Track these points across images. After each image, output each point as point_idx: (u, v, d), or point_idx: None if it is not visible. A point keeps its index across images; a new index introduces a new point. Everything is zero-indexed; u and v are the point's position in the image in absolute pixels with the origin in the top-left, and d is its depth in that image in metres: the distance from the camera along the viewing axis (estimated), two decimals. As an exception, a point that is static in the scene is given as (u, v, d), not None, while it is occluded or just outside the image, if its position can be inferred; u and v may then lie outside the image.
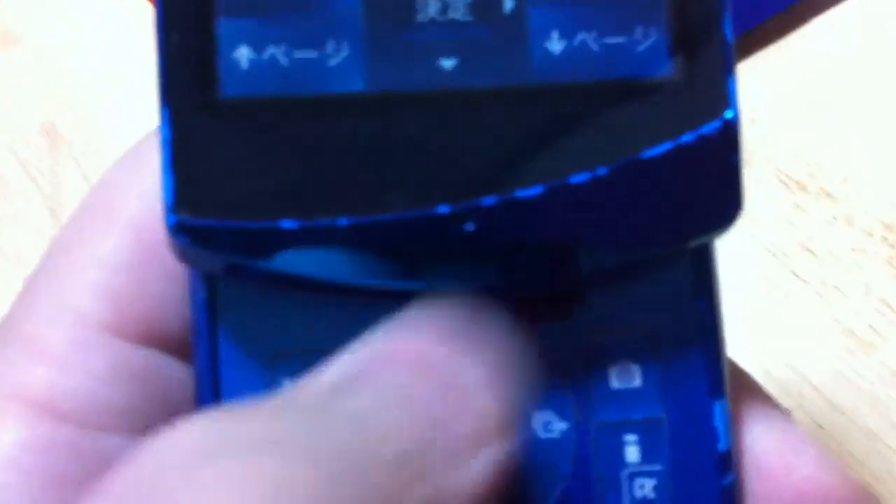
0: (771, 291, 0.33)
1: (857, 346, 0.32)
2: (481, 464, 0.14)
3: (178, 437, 0.13)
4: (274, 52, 0.16)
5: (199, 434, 0.13)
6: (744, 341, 0.32)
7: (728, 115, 0.16)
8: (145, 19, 0.41)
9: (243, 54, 0.16)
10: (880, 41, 0.36)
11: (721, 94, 0.16)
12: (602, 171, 0.16)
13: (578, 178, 0.16)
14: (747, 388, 0.18)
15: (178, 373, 0.18)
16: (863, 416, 0.31)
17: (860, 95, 0.35)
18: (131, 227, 0.18)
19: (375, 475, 0.13)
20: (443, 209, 0.16)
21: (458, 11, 0.16)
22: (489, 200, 0.16)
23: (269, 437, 0.13)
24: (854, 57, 0.36)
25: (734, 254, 0.33)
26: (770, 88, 0.36)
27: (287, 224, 0.16)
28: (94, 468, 0.17)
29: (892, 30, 0.36)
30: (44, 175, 0.38)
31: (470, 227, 0.16)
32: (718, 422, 0.18)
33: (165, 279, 0.18)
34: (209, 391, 0.17)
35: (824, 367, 0.32)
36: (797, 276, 0.33)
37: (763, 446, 0.18)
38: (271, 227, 0.16)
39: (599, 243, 0.16)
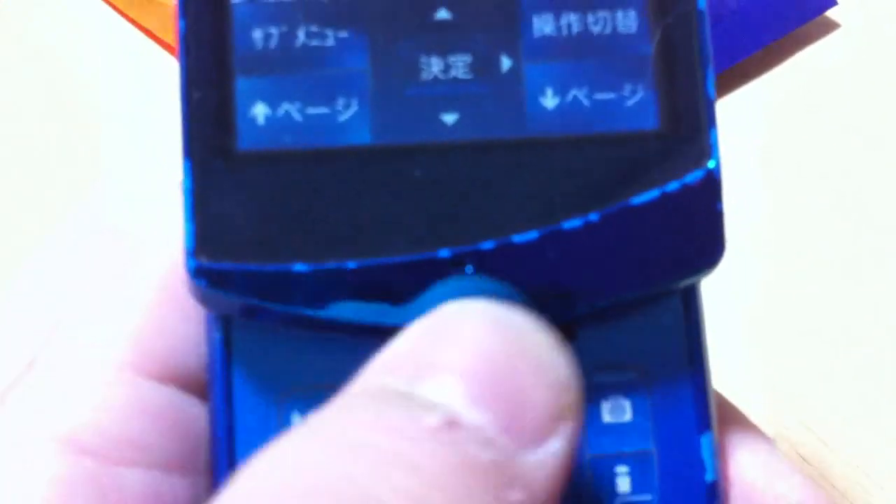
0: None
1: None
2: (559, 442, 0.15)
3: None
4: (288, 108, 0.17)
5: None
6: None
7: (710, 164, 0.17)
8: (152, 59, 0.41)
9: (260, 111, 0.17)
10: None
11: (704, 145, 0.18)
12: (594, 216, 0.17)
13: (571, 223, 0.17)
14: (732, 419, 0.19)
15: (195, 410, 0.19)
16: (846, 449, 0.31)
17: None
18: (151, 269, 0.19)
19: (470, 480, 0.14)
20: (444, 253, 0.17)
21: (459, 70, 0.18)
22: (487, 245, 0.17)
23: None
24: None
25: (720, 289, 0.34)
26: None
27: (299, 267, 0.17)
28: (113, 501, 0.17)
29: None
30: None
31: (469, 269, 0.17)
32: (706, 454, 0.18)
33: (185, 322, 0.19)
34: (223, 426, 0.18)
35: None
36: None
37: (750, 475, 0.18)
38: (284, 270, 0.17)
39: (591, 284, 0.17)
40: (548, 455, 0.14)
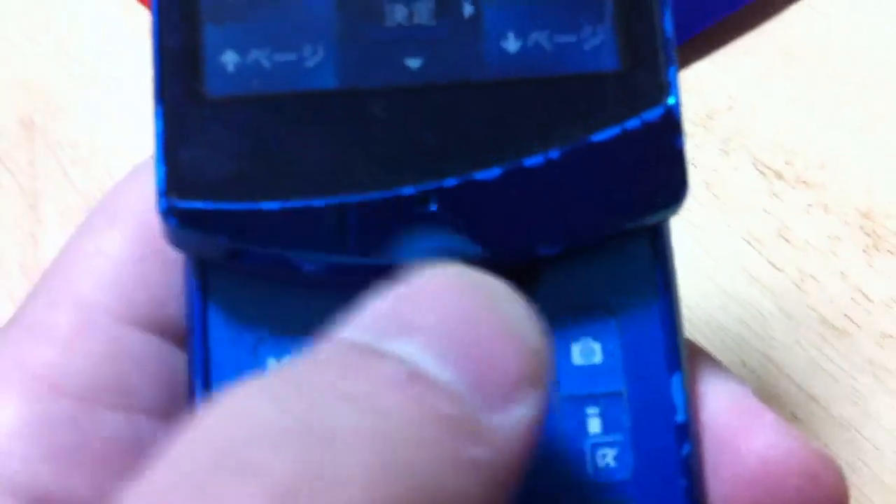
0: (747, 280, 0.33)
1: (832, 336, 0.32)
2: (526, 408, 0.15)
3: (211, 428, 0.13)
4: (256, 54, 0.18)
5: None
6: (719, 329, 0.32)
7: (670, 101, 0.18)
8: (123, 14, 0.41)
9: (229, 57, 0.18)
10: (858, 28, 0.36)
11: (662, 83, 0.18)
12: (554, 154, 0.18)
13: (533, 160, 0.18)
14: (704, 361, 0.19)
15: (175, 357, 0.19)
16: (837, 406, 0.31)
17: (837, 83, 0.35)
18: (135, 223, 0.19)
19: (437, 439, 0.13)
20: (408, 190, 0.17)
21: (423, 15, 0.18)
22: (450, 182, 0.17)
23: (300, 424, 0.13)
24: (831, 44, 0.36)
25: (710, 242, 0.33)
26: (747, 76, 0.36)
27: (268, 205, 0.17)
28: (93, 441, 0.18)
29: (871, 16, 0.36)
30: (21, 167, 0.38)
31: (433, 206, 0.17)
32: (676, 394, 0.18)
33: (167, 272, 0.19)
34: (200, 371, 0.18)
35: (800, 357, 0.32)
36: (773, 264, 0.33)
37: (722, 417, 0.18)
38: (254, 208, 0.17)
39: (554, 223, 0.18)
40: (514, 418, 0.14)
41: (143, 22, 0.40)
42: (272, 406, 0.13)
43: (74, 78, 0.39)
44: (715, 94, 0.36)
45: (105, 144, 0.38)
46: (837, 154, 0.34)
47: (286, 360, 0.16)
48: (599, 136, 0.18)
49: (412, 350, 0.14)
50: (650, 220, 0.18)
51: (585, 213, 0.18)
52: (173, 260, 0.19)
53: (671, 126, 0.18)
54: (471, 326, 0.15)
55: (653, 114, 0.18)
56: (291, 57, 0.18)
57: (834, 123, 0.35)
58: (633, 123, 0.18)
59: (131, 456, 0.18)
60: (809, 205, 0.33)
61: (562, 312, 0.18)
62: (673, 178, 0.18)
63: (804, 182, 0.34)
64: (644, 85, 0.18)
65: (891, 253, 0.33)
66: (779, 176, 0.34)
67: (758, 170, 0.34)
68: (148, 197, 0.19)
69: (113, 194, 0.20)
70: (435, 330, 0.15)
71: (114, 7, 0.41)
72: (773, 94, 0.36)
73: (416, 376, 0.14)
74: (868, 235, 0.33)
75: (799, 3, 0.37)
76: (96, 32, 0.40)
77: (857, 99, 0.35)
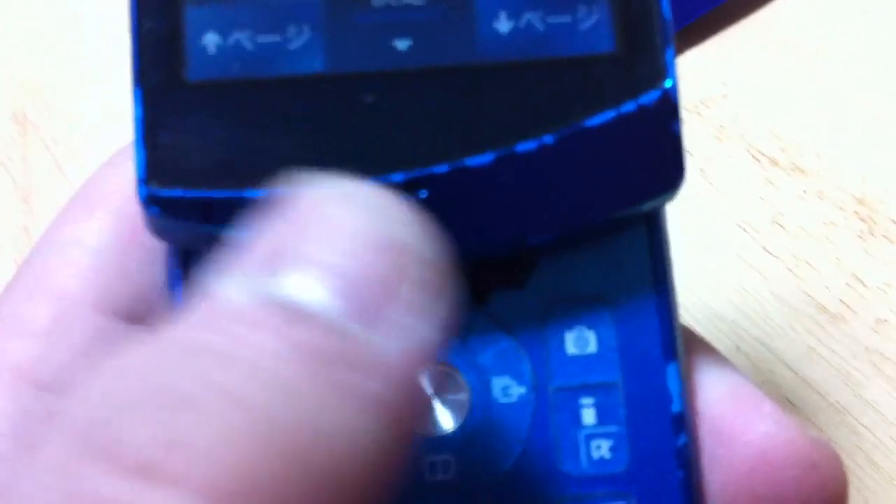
0: (742, 266, 0.33)
1: (827, 321, 0.32)
2: (413, 325, 0.13)
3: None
4: (239, 37, 0.17)
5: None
6: (714, 316, 0.32)
7: (667, 84, 0.17)
8: (115, 9, 0.40)
9: (210, 40, 0.17)
10: (851, 16, 0.36)
11: (660, 65, 0.17)
12: (548, 139, 0.17)
13: (526, 146, 0.17)
14: (701, 351, 0.19)
15: None
16: (833, 391, 0.31)
17: (832, 70, 0.35)
18: (113, 213, 0.19)
19: (303, 370, 0.13)
20: (397, 177, 0.17)
21: None
22: (441, 168, 0.17)
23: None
24: (827, 31, 0.36)
25: (705, 229, 0.33)
26: (742, 63, 0.36)
27: (251, 193, 0.16)
28: None
29: (864, 4, 0.36)
30: (14, 162, 0.38)
31: (423, 193, 0.17)
32: (672, 384, 0.18)
33: (146, 261, 0.19)
34: None
35: (795, 342, 0.32)
36: (768, 251, 0.33)
37: (719, 406, 0.18)
38: (238, 196, 0.17)
39: (548, 209, 0.17)
40: (399, 338, 0.13)
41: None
42: (134, 377, 0.13)
43: (68, 73, 0.39)
44: (709, 82, 0.36)
45: (99, 140, 0.37)
46: (832, 140, 0.34)
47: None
48: (594, 121, 0.17)
49: (297, 286, 0.13)
50: (646, 206, 0.17)
51: (580, 200, 0.17)
52: (154, 248, 0.18)
53: (668, 110, 0.17)
54: (359, 251, 0.13)
55: (649, 97, 0.17)
56: (275, 39, 0.17)
57: (828, 110, 0.35)
58: (628, 107, 0.17)
59: None
60: (804, 191, 0.33)
61: (556, 301, 0.18)
62: (669, 163, 0.17)
63: (799, 168, 0.34)
64: (641, 67, 0.17)
65: (886, 238, 0.33)
66: (773, 162, 0.34)
67: (752, 156, 0.34)
68: (127, 184, 0.18)
69: (91, 182, 0.20)
70: (322, 260, 0.13)
71: (110, 3, 0.40)
72: (767, 81, 0.35)
73: (289, 316, 0.13)
74: (863, 221, 0.33)
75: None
76: (91, 29, 0.40)
77: (851, 86, 0.35)
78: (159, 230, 0.17)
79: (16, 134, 0.38)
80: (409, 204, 0.15)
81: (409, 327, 0.13)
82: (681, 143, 0.17)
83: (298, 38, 0.17)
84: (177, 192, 0.17)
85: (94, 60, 0.39)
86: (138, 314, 0.19)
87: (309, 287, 0.13)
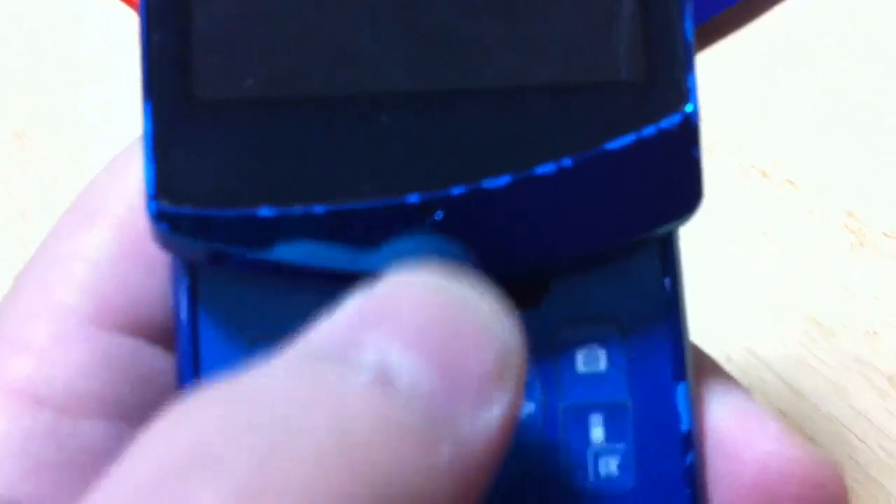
0: (733, 278, 0.33)
1: (818, 333, 0.32)
2: (498, 409, 0.14)
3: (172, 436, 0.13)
4: (252, 54, 0.17)
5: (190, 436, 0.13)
6: (706, 327, 0.32)
7: (688, 109, 0.17)
8: (116, 26, 0.40)
9: (222, 56, 0.17)
10: (844, 29, 0.37)
11: (681, 89, 0.17)
12: (567, 162, 0.17)
13: (544, 169, 0.17)
14: (708, 369, 0.19)
15: (161, 361, 0.18)
16: (824, 402, 0.31)
17: (822, 84, 0.36)
18: (113, 224, 0.18)
19: (403, 445, 0.13)
20: (413, 198, 0.17)
21: (430, 17, 0.17)
22: (458, 190, 0.17)
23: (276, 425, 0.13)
24: (817, 45, 0.36)
25: (696, 242, 0.34)
26: (733, 77, 0.36)
27: (264, 212, 0.16)
28: (73, 454, 0.17)
29: (854, 19, 0.37)
30: (13, 179, 0.37)
31: (439, 215, 0.17)
32: (681, 403, 0.18)
33: (147, 272, 0.18)
34: (190, 376, 0.18)
35: (786, 353, 0.32)
36: (759, 263, 0.33)
37: (725, 424, 0.18)
38: (249, 214, 0.16)
39: (565, 232, 0.17)
40: (486, 418, 0.14)
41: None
42: (232, 410, 0.13)
43: (66, 89, 0.39)
44: (700, 95, 0.36)
45: (97, 155, 0.37)
46: (822, 154, 0.35)
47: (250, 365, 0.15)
48: (614, 144, 0.17)
49: (379, 355, 0.14)
50: (662, 230, 0.17)
51: (597, 224, 0.17)
52: (154, 259, 0.18)
53: (689, 134, 0.17)
54: (439, 329, 0.14)
55: (670, 122, 0.17)
56: (289, 57, 0.17)
57: (819, 123, 0.35)
58: (649, 131, 0.17)
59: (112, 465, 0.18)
60: (795, 204, 0.34)
61: (568, 321, 0.18)
62: (688, 187, 0.17)
63: (790, 181, 0.34)
64: (662, 91, 0.17)
65: (876, 250, 0.33)
66: (765, 176, 0.34)
67: (743, 170, 0.35)
68: (126, 194, 0.18)
69: (89, 191, 0.19)
70: (404, 333, 0.14)
71: (111, 20, 0.40)
72: (757, 94, 0.36)
73: (382, 382, 0.14)
74: (853, 233, 0.33)
75: (784, 4, 0.37)
76: (91, 45, 0.40)
77: (842, 100, 0.35)
78: (168, 246, 0.17)
79: (15, 151, 0.38)
80: (493, 292, 0.15)
81: (493, 403, 0.14)
82: (700, 168, 0.17)
83: (313, 56, 0.17)
84: (187, 210, 0.16)
85: (93, 79, 0.39)
86: (139, 325, 0.18)
87: (404, 357, 0.14)
